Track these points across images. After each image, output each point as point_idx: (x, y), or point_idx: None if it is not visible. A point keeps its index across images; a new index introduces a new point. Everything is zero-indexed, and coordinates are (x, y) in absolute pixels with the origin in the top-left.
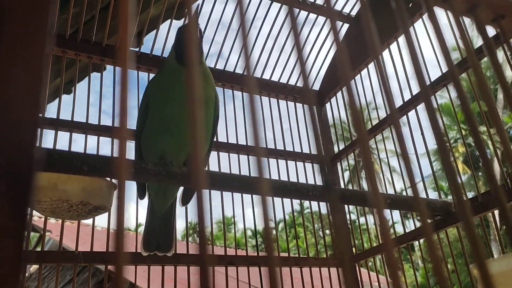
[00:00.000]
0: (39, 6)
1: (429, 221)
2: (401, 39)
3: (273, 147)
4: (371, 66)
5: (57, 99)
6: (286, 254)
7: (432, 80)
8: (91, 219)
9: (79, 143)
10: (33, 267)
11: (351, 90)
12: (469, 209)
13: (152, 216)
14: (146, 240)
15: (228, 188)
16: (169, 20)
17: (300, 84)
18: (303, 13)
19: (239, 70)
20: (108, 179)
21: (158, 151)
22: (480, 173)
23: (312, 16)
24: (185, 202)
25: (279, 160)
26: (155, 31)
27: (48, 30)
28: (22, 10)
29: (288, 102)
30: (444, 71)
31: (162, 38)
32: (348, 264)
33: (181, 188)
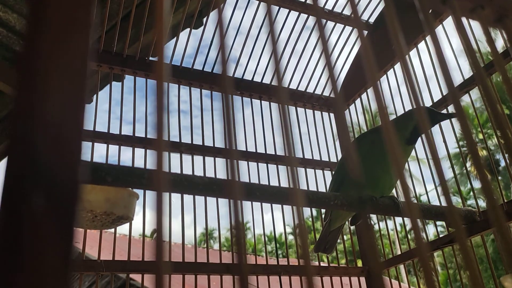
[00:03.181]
0: (81, 8)
1: (452, 230)
2: (421, 45)
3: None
4: (390, 72)
5: None
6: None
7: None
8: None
9: (100, 152)
10: None
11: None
12: (504, 221)
13: (327, 229)
14: (317, 244)
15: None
16: (188, 29)
17: (318, 92)
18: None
19: (257, 78)
20: (130, 189)
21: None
22: (500, 177)
23: (330, 22)
24: (353, 222)
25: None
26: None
27: (90, 37)
28: (64, 14)
29: (306, 109)
30: (466, 77)
31: (182, 47)
32: (379, 278)
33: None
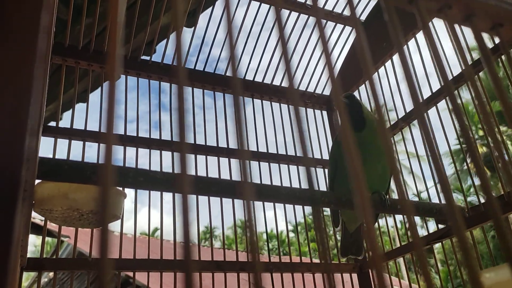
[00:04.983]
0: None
1: (441, 226)
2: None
3: (285, 153)
4: (381, 70)
5: (72, 108)
6: (298, 259)
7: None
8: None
9: (94, 149)
10: (51, 274)
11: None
12: (462, 222)
13: (345, 233)
14: (342, 250)
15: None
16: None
17: (311, 89)
18: (312, 18)
19: (248, 76)
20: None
21: (347, 190)
22: (501, 174)
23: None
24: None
25: (290, 165)
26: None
27: (42, 25)
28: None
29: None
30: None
31: (173, 47)
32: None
33: None
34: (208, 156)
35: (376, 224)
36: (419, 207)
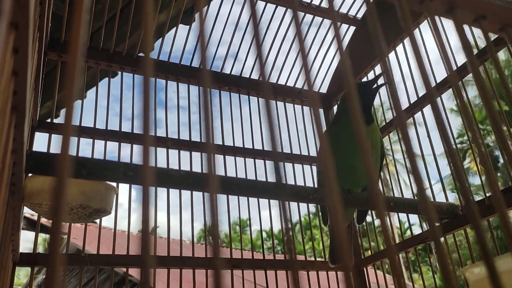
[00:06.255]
0: None
1: (436, 224)
2: (407, 41)
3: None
4: (378, 68)
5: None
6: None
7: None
8: (98, 221)
9: (89, 146)
10: None
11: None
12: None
13: (333, 236)
14: (331, 254)
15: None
16: (175, 26)
17: (307, 87)
18: (309, 16)
19: (254, 75)
20: (109, 182)
21: (340, 184)
22: (499, 174)
23: (318, 18)
24: (360, 221)
25: (285, 163)
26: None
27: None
28: None
29: (295, 105)
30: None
31: (169, 43)
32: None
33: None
34: (204, 153)
35: (373, 223)
36: (412, 204)
